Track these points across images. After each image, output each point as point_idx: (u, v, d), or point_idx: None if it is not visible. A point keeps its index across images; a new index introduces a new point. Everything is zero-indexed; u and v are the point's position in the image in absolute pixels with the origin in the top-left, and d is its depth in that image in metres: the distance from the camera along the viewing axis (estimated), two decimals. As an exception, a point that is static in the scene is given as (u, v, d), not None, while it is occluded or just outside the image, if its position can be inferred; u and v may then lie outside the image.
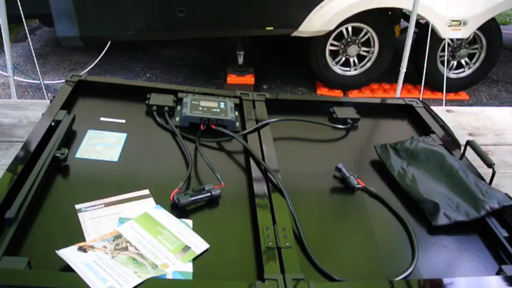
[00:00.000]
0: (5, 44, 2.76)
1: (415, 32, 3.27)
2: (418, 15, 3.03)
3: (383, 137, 1.38)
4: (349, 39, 3.78)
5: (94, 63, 3.75)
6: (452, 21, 3.59)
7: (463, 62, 4.00)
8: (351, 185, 1.09)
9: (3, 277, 0.71)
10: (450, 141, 1.30)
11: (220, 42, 4.10)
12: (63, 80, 1.35)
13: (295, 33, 3.55)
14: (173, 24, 3.40)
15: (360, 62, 3.91)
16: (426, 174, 1.13)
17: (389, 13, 3.90)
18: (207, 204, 0.99)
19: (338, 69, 3.91)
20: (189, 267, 0.82)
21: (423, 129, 1.37)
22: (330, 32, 3.66)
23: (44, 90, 3.29)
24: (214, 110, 1.26)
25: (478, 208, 1.01)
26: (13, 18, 2.79)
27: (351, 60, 3.88)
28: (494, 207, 1.02)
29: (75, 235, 0.85)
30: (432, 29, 3.37)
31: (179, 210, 0.95)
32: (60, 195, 0.96)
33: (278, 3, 3.45)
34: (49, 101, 1.25)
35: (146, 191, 0.99)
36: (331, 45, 3.80)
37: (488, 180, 1.13)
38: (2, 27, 2.61)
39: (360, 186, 1.09)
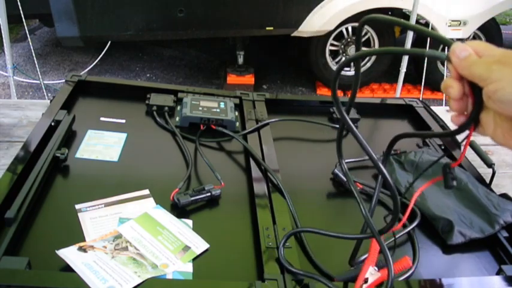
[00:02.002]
0: (5, 44, 2.77)
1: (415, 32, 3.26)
2: (418, 15, 3.04)
3: (383, 137, 1.38)
4: (349, 39, 3.79)
5: (94, 63, 3.75)
6: (452, 21, 3.60)
7: (463, 62, 4.01)
8: (349, 188, 1.08)
9: (3, 277, 0.71)
10: (450, 141, 1.30)
11: (220, 42, 4.11)
12: (63, 80, 1.35)
13: (295, 33, 3.55)
14: (173, 24, 3.41)
15: (360, 62, 3.91)
16: (434, 187, 1.08)
17: (389, 13, 3.90)
18: (207, 204, 0.99)
19: (338, 69, 3.91)
20: (189, 267, 0.82)
21: (423, 129, 1.37)
22: (330, 32, 3.66)
23: (44, 90, 3.29)
24: (214, 110, 1.26)
25: (492, 223, 0.98)
26: (13, 18, 2.79)
27: (351, 60, 3.88)
28: (508, 221, 0.98)
29: (75, 235, 0.85)
30: (432, 29, 3.38)
31: (179, 210, 0.95)
32: (60, 195, 0.96)
33: (278, 3, 3.45)
34: (49, 101, 1.25)
35: (146, 191, 0.99)
36: (331, 45, 3.80)
37: (488, 180, 1.13)
38: (2, 27, 2.61)
39: (359, 188, 1.09)
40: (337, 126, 1.35)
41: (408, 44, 3.00)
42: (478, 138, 1.42)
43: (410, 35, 3.00)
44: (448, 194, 1.07)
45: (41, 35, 4.78)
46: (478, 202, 1.03)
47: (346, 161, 1.18)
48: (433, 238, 0.98)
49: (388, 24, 0.59)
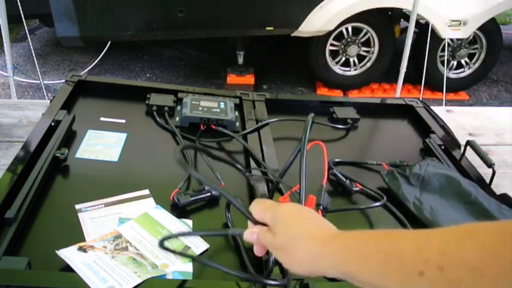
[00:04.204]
0: (5, 44, 2.76)
1: (415, 32, 3.27)
2: (418, 15, 3.03)
3: (383, 137, 1.38)
4: (349, 39, 3.78)
5: (94, 63, 3.75)
6: (452, 21, 3.60)
7: (463, 62, 4.00)
8: (348, 188, 1.08)
9: (3, 277, 0.71)
10: (450, 141, 1.30)
11: (220, 42, 4.11)
12: (63, 80, 1.35)
13: (295, 33, 3.55)
14: (173, 24, 3.41)
15: (360, 62, 3.90)
16: (443, 202, 1.04)
17: (389, 13, 3.90)
18: (207, 204, 0.99)
19: (338, 69, 3.92)
20: (189, 267, 0.82)
21: (423, 129, 1.37)
22: (330, 32, 3.66)
23: (44, 90, 3.29)
24: (214, 110, 1.26)
25: None
26: (13, 18, 2.79)
27: (351, 60, 3.88)
28: None
29: (75, 235, 0.85)
30: (432, 29, 3.37)
31: (179, 210, 0.95)
32: (60, 195, 0.96)
33: (278, 3, 3.45)
34: (49, 101, 1.25)
35: (146, 191, 0.99)
36: (331, 45, 3.80)
37: (488, 181, 1.13)
38: (2, 27, 2.61)
39: (358, 188, 1.09)
40: (337, 126, 1.35)
41: (408, 44, 3.00)
42: (478, 138, 1.42)
43: (410, 35, 3.00)
44: (458, 208, 1.03)
45: (41, 35, 4.78)
46: (492, 217, 0.98)
47: (347, 160, 1.19)
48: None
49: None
